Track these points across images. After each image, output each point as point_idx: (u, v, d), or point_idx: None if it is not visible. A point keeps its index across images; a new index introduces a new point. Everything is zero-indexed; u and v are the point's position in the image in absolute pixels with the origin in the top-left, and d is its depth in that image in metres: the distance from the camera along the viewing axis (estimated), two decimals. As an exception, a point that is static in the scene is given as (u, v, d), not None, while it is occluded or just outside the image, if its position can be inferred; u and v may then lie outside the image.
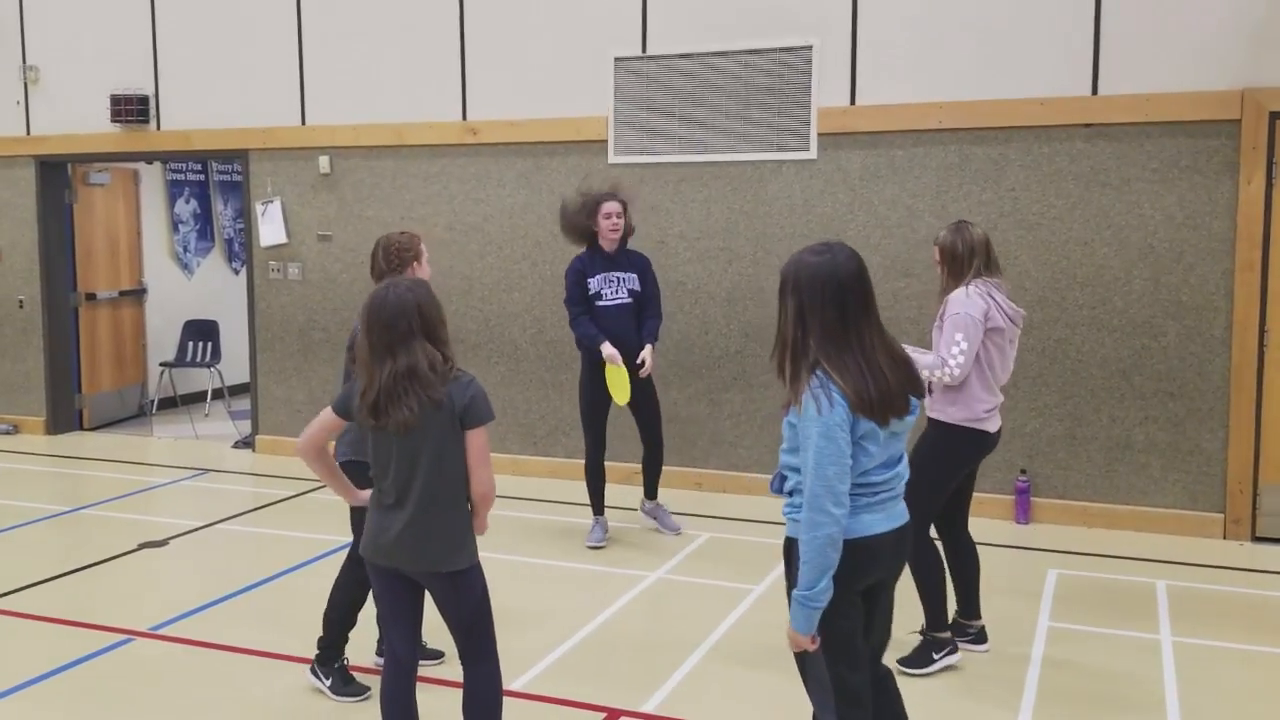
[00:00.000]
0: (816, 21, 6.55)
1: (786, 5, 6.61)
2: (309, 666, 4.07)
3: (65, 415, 8.95)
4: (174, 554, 5.77)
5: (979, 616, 4.44)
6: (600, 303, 5.68)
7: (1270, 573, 5.48)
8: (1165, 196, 5.99)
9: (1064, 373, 6.26)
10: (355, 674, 4.04)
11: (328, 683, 3.99)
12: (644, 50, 6.93)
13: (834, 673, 2.74)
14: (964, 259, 4.15)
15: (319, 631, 4.05)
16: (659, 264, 7.00)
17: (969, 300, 4.09)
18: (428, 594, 3.19)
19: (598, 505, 5.88)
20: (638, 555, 5.69)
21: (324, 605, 4.05)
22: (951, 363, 4.04)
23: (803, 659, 2.83)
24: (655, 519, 6.07)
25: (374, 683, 4.05)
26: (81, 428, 9.06)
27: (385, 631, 3.23)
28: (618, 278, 5.71)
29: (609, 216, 5.65)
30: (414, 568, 3.09)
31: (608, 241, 5.69)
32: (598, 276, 5.68)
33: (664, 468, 7.05)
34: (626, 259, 5.76)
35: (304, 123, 7.92)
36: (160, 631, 4.60)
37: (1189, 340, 6.02)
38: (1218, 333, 5.96)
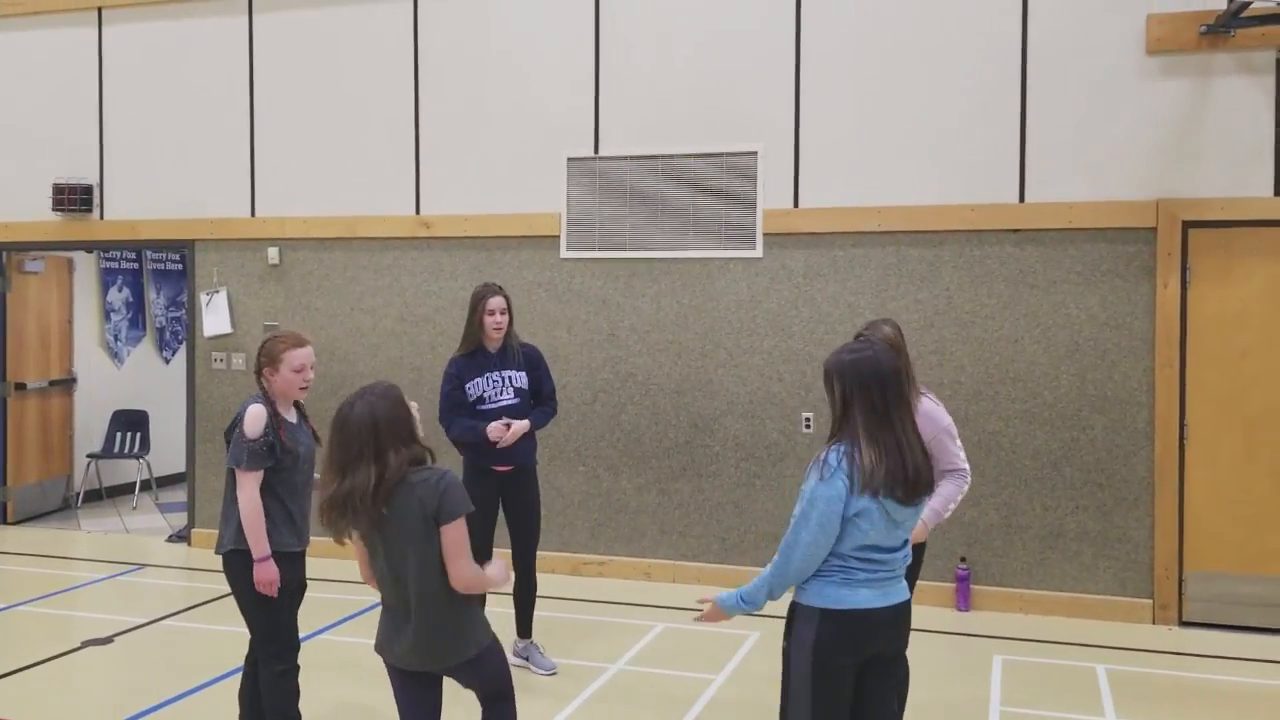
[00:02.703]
0: (762, 128, 6.90)
1: (733, 113, 6.95)
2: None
3: (-11, 508, 8.67)
4: (121, 652, 5.62)
5: None
6: (483, 407, 5.14)
7: (1198, 656, 5.75)
8: (1089, 298, 6.39)
9: (999, 464, 6.54)
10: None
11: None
12: (596, 151, 7.20)
13: None
14: (906, 358, 4.19)
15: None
16: (610, 356, 7.19)
17: (941, 409, 4.18)
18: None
19: None
20: (594, 647, 5.71)
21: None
22: (968, 470, 4.14)
23: (784, 690, 3.07)
24: (527, 658, 5.35)
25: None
26: (5, 521, 8.76)
27: None
28: (503, 377, 5.21)
29: (492, 313, 5.16)
30: (428, 668, 3.17)
31: (490, 340, 5.20)
32: (479, 379, 5.17)
33: (612, 557, 7.16)
34: (512, 356, 5.26)
35: (254, 214, 7.98)
36: (118, 732, 4.48)
37: (1115, 433, 6.37)
38: (1141, 426, 6.32)
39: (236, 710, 4.26)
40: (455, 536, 3.06)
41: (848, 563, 2.97)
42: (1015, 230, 6.50)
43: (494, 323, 5.17)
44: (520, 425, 5.13)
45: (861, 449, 2.93)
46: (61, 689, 5.11)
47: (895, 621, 3.05)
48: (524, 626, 5.41)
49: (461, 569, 3.07)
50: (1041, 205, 6.44)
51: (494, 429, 5.07)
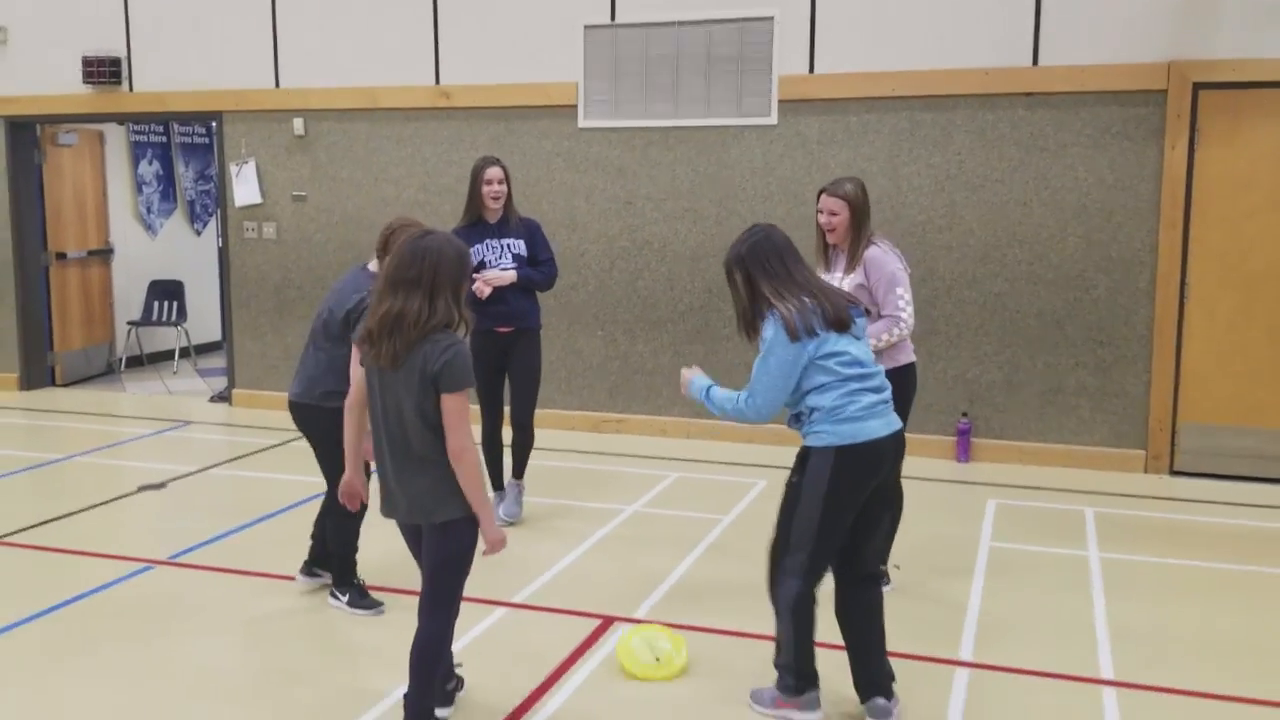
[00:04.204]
0: (777, -7, 6.94)
1: (749, -23, 6.98)
2: (329, 590, 4.43)
3: (38, 371, 9.10)
4: (174, 495, 6.06)
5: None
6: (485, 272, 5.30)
7: (1186, 500, 6.07)
8: (1098, 160, 6.51)
9: (1003, 323, 6.78)
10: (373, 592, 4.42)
11: (345, 599, 4.36)
12: (613, 18, 7.27)
13: (817, 544, 3.31)
14: (867, 213, 4.41)
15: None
16: (627, 224, 7.41)
17: (889, 256, 4.37)
18: None
19: (496, 480, 5.55)
20: (611, 491, 6.09)
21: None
22: (904, 316, 4.33)
23: (788, 517, 3.37)
24: (506, 495, 5.53)
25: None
26: (54, 384, 9.22)
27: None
28: (501, 244, 5.36)
29: (490, 183, 5.30)
30: (395, 518, 3.27)
31: (490, 211, 5.34)
32: (479, 245, 5.30)
33: (630, 415, 7.51)
34: (511, 226, 5.41)
35: (278, 85, 8.13)
36: (180, 560, 4.91)
37: (1117, 293, 6.56)
38: (1143, 285, 6.51)
39: (289, 543, 4.64)
40: (452, 407, 3.06)
41: (847, 384, 3.28)
42: (1027, 94, 6.58)
43: (492, 192, 5.30)
44: (497, 274, 5.25)
45: (787, 308, 3.27)
46: (122, 526, 5.56)
47: (896, 448, 3.40)
48: (517, 468, 5.59)
49: (457, 439, 3.08)
50: (1054, 69, 6.50)
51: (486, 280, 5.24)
